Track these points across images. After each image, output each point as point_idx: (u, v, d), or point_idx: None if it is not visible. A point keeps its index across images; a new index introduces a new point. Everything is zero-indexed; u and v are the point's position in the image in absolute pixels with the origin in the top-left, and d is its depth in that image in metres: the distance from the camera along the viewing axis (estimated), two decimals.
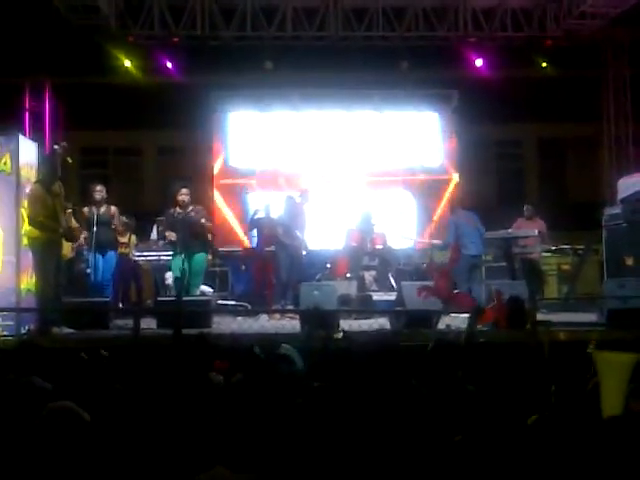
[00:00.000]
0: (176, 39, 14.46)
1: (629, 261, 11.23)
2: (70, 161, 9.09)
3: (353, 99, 15.61)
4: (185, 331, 6.72)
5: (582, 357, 5.50)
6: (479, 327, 7.77)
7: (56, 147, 9.04)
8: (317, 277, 12.53)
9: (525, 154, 19.67)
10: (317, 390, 4.52)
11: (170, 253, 10.50)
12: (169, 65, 14.91)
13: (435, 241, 12.95)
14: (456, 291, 10.68)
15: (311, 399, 4.21)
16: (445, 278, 10.57)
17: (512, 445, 3.08)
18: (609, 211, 11.85)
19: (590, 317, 10.06)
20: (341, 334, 6.92)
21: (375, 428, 3.70)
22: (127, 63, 14.58)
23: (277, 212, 12.47)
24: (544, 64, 15.20)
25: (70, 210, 9.98)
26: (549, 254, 13.50)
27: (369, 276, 12.79)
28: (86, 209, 10.08)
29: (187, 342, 6.16)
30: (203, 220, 10.22)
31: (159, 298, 10.53)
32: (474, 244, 11.71)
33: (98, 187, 10.23)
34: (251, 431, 3.29)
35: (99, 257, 10.10)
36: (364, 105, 15.62)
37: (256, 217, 12.53)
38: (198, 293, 10.22)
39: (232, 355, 5.55)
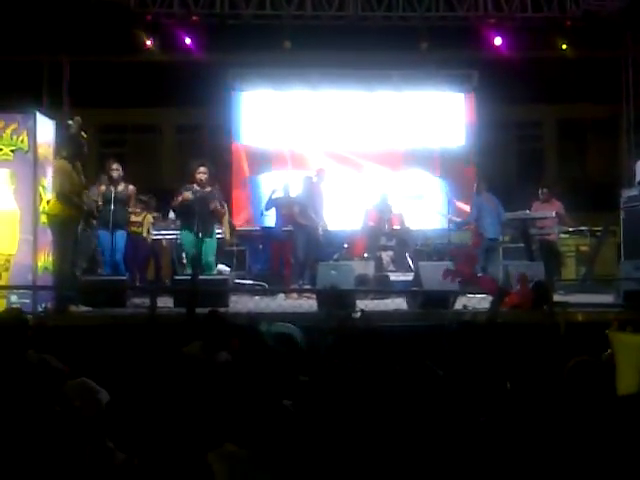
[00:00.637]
0: (195, 17, 14.41)
1: None
2: (85, 136, 9.09)
3: (372, 79, 15.57)
4: (201, 310, 6.71)
5: (599, 338, 5.51)
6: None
7: (70, 122, 9.03)
8: (335, 257, 12.55)
9: (544, 135, 19.57)
10: (329, 368, 4.55)
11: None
12: (188, 43, 14.86)
13: (457, 218, 12.98)
14: (479, 274, 10.69)
15: (319, 378, 4.23)
16: (470, 260, 10.56)
17: (532, 423, 3.09)
18: (627, 193, 11.78)
19: (607, 298, 10.05)
20: (359, 313, 6.91)
21: (389, 408, 3.72)
22: (147, 42, 14.51)
23: (295, 192, 12.50)
24: (564, 45, 15.04)
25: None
26: (567, 235, 13.46)
27: (386, 256, 12.79)
28: (103, 187, 10.07)
29: (199, 320, 6.17)
30: (217, 203, 10.17)
31: (176, 277, 10.56)
32: (493, 227, 11.72)
33: (114, 165, 10.21)
34: (251, 408, 3.31)
35: (111, 235, 10.08)
36: (383, 85, 15.57)
37: (274, 197, 12.53)
38: (215, 272, 10.24)
39: (243, 334, 5.58)
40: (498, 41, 14.91)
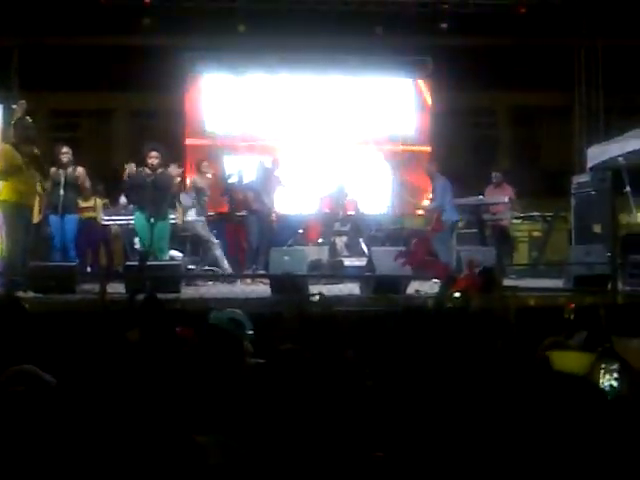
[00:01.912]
0: (148, 0, 14.28)
1: (596, 228, 11.38)
2: (30, 120, 8.96)
3: (328, 64, 15.51)
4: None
5: (549, 322, 5.58)
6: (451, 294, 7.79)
7: (14, 107, 8.92)
8: (289, 242, 12.54)
9: (498, 122, 19.70)
10: (282, 353, 4.54)
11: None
12: (142, 26, 14.72)
13: (431, 204, 12.36)
14: (430, 258, 10.71)
15: (272, 362, 4.21)
16: (423, 245, 10.59)
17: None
18: (578, 179, 11.99)
19: (558, 283, 10.17)
20: (318, 297, 6.84)
21: (340, 391, 3.72)
22: (91, 26, 14.36)
23: (249, 177, 12.46)
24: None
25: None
26: (520, 221, 13.59)
27: (340, 242, 12.83)
28: (53, 170, 9.95)
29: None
30: (173, 184, 10.13)
31: (127, 262, 10.47)
32: (454, 210, 11.76)
33: (64, 149, 10.10)
34: (201, 394, 3.29)
35: (62, 220, 9.99)
36: (339, 70, 15.53)
37: (229, 182, 12.47)
38: (167, 258, 10.17)
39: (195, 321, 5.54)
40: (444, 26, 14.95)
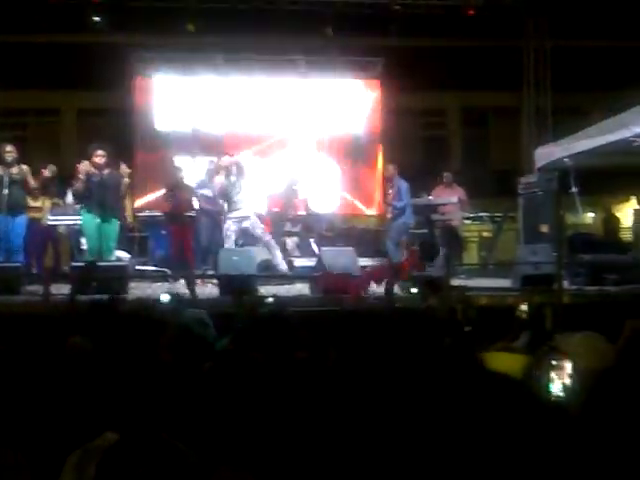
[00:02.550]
0: None
1: (544, 228, 11.49)
2: None
3: (278, 65, 15.43)
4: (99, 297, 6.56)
5: (496, 321, 5.61)
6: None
7: None
8: (239, 242, 12.47)
9: (448, 122, 19.85)
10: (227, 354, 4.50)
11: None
12: (90, 24, 14.54)
13: (398, 203, 12.03)
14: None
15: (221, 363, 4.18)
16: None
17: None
18: (526, 179, 12.09)
19: (507, 283, 10.27)
20: (272, 299, 6.78)
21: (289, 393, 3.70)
22: (39, 24, 14.18)
23: (199, 176, 12.37)
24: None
25: None
26: (469, 221, 13.69)
27: (291, 242, 12.80)
28: None
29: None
30: (120, 183, 9.99)
31: (73, 263, 10.32)
32: (412, 214, 11.78)
33: (8, 148, 9.94)
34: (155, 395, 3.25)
35: (9, 220, 9.84)
36: (289, 71, 15.46)
37: (176, 181, 12.33)
38: (114, 258, 10.05)
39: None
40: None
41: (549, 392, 3.33)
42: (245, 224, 10.97)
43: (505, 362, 3.90)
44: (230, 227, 10.89)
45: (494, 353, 4.07)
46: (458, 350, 4.48)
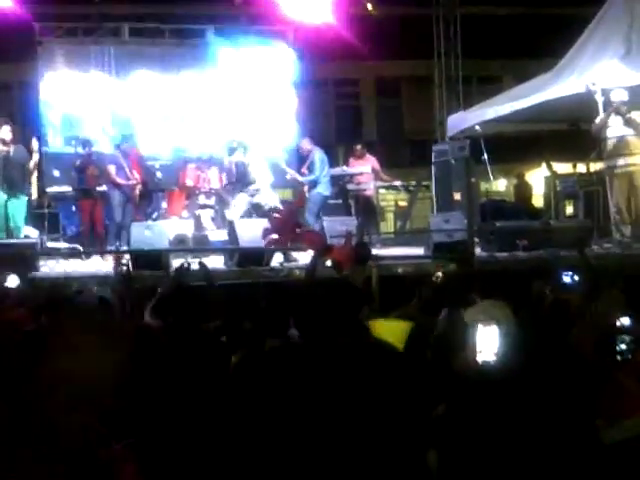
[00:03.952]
0: None
1: (457, 196, 11.65)
2: None
3: (187, 34, 15.08)
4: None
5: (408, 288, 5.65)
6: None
7: None
8: (154, 216, 12.30)
9: (362, 92, 19.87)
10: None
11: None
12: None
13: (306, 178, 12.02)
14: (302, 230, 10.60)
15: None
16: (290, 218, 10.46)
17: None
18: (438, 147, 12.22)
19: (421, 251, 10.36)
20: (199, 266, 6.58)
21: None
22: None
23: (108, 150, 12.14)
24: (369, 6, 15.30)
25: None
26: (385, 191, 13.73)
27: (206, 215, 12.64)
28: None
29: None
30: (27, 159, 9.76)
31: None
32: (329, 183, 11.73)
33: None
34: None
35: None
36: (198, 41, 15.12)
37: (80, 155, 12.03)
38: (22, 236, 9.80)
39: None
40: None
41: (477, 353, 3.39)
42: (257, 198, 11.04)
43: (388, 329, 3.99)
44: (243, 199, 11.02)
45: (379, 321, 4.13)
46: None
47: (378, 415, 2.69)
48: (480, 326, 3.43)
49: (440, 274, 6.30)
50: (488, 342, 3.39)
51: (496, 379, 3.16)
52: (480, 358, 3.37)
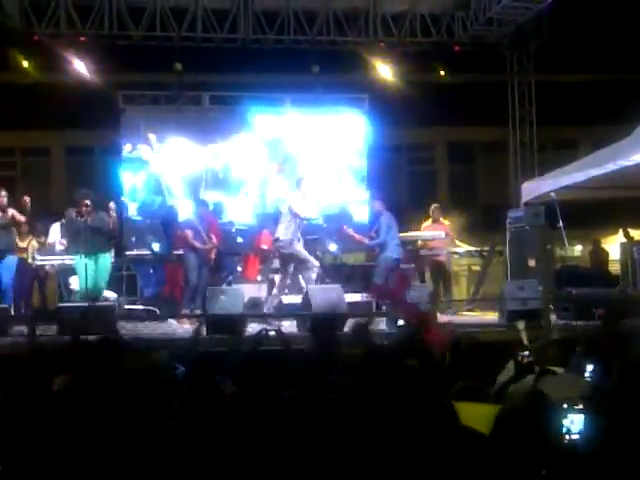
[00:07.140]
0: (83, 38, 14.19)
1: (531, 262, 11.54)
2: None
3: (264, 102, 15.40)
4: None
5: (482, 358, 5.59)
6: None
7: None
8: (228, 280, 12.44)
9: (435, 157, 19.96)
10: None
11: (73, 257, 10.33)
12: (77, 64, 14.58)
13: (371, 241, 12.04)
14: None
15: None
16: (405, 281, 10.41)
17: None
18: (513, 214, 12.14)
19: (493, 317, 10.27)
20: (273, 332, 6.63)
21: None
22: (26, 63, 14.29)
23: (186, 215, 12.38)
24: (442, 72, 15.51)
25: None
26: (458, 256, 13.69)
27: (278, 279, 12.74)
28: None
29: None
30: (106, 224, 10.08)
31: (60, 304, 10.30)
32: (398, 247, 11.71)
33: (2, 192, 10.07)
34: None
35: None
36: (276, 109, 15.42)
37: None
38: (102, 298, 10.05)
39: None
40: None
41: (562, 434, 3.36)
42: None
43: (475, 413, 3.87)
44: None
45: (464, 404, 4.00)
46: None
47: None
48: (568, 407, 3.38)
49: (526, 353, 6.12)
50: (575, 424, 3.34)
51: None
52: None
